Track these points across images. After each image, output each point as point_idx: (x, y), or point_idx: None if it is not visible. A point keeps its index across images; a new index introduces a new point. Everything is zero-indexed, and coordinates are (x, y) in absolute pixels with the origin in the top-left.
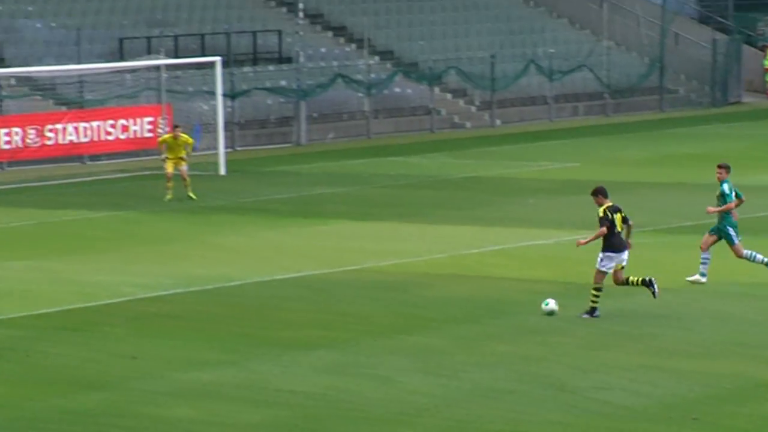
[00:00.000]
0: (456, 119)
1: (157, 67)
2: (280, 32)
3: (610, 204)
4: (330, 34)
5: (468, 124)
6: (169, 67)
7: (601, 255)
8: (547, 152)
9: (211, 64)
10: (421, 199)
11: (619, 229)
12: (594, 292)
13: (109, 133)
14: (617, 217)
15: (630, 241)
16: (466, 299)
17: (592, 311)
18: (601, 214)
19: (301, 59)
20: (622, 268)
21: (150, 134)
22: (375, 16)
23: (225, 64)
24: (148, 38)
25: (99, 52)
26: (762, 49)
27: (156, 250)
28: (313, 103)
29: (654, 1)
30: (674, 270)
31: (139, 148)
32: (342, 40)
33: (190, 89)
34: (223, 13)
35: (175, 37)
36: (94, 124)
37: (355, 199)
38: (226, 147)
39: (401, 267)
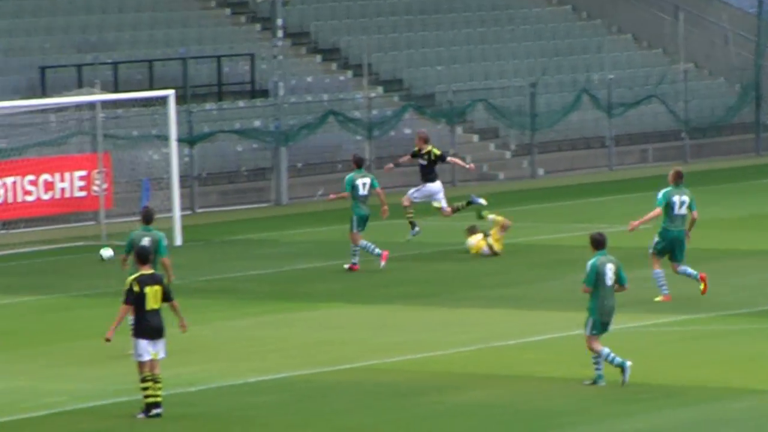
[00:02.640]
0: (485, 168)
1: (92, 105)
2: (252, 57)
3: None
4: (318, 58)
5: (501, 175)
6: (107, 105)
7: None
8: (606, 211)
9: (163, 100)
10: (440, 274)
11: None
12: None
13: (28, 193)
14: None
15: None
16: (501, 407)
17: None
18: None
19: (281, 92)
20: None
21: (82, 193)
22: (378, 35)
23: (180, 100)
24: (79, 66)
25: (14, 86)
26: None
27: (90, 346)
28: (296, 149)
29: (746, 9)
30: None
31: (67, 212)
32: (334, 66)
33: (135, 133)
34: (178, 32)
35: (115, 65)
36: (9, 180)
37: (353, 275)
38: (183, 209)
39: (414, 365)
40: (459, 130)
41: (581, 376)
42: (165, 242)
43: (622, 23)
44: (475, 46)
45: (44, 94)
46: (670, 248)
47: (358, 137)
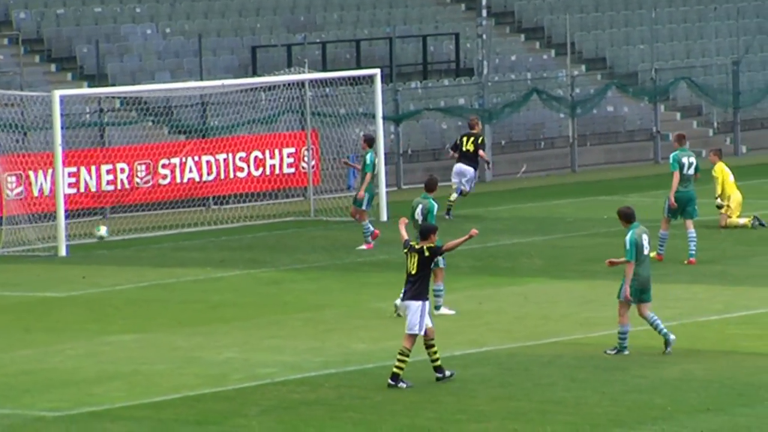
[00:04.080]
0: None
1: (301, 84)
2: (457, 36)
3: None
4: (522, 37)
5: (704, 152)
6: (316, 83)
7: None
8: None
9: (369, 79)
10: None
11: None
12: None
13: (239, 169)
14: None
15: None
16: (705, 381)
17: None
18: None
19: (485, 71)
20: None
21: (291, 169)
22: (580, 14)
23: (387, 79)
24: (288, 46)
25: (226, 66)
26: None
27: (301, 318)
28: (500, 126)
29: None
30: None
31: (277, 188)
32: (538, 45)
33: (342, 111)
34: (385, 13)
35: (323, 45)
36: (221, 157)
37: (556, 251)
38: (389, 185)
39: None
40: (662, 108)
41: None
42: (435, 211)
43: None
44: (678, 25)
45: (255, 73)
46: (682, 208)
47: (561, 115)
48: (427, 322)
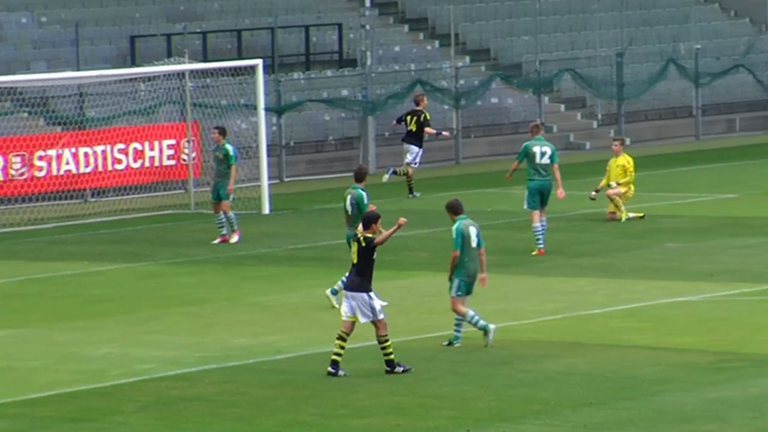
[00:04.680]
0: (572, 138)
1: (181, 74)
2: (340, 26)
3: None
4: (406, 28)
5: (588, 144)
6: (196, 74)
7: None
8: (694, 181)
9: (251, 69)
10: (528, 243)
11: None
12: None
13: (118, 161)
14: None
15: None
16: (588, 375)
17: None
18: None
19: (369, 62)
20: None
21: (172, 161)
22: (465, 4)
23: (269, 70)
24: (168, 36)
25: (104, 56)
26: None
27: (180, 313)
28: (384, 118)
29: None
30: None
31: (157, 180)
32: (422, 36)
33: (224, 102)
34: (267, 2)
35: (204, 35)
36: (99, 149)
37: (441, 244)
38: (271, 178)
39: (502, 333)
40: (546, 99)
41: (668, 344)
42: (366, 200)
43: None
44: (562, 16)
45: (134, 63)
46: (540, 197)
47: (446, 107)
48: (379, 314)
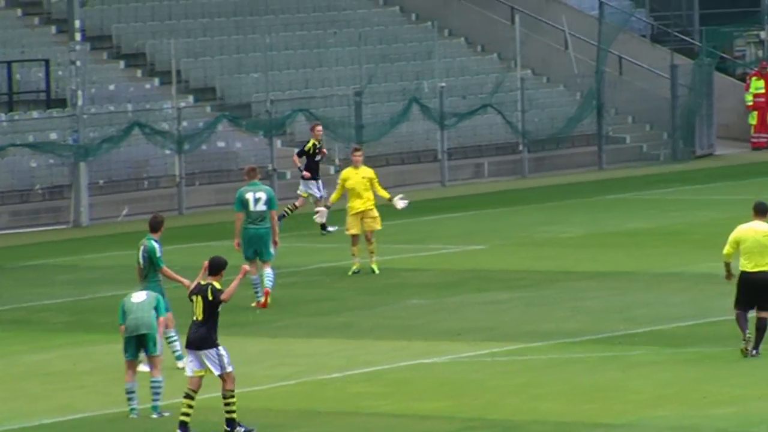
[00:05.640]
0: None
1: None
2: (47, 62)
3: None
4: (122, 64)
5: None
6: None
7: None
8: (439, 230)
9: None
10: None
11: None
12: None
13: None
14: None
15: None
16: None
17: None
18: None
19: (80, 102)
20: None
21: None
22: (187, 38)
23: None
24: None
25: None
26: (743, 78)
27: None
28: (98, 165)
29: (587, 11)
30: (627, 400)
31: None
32: (139, 73)
33: None
34: None
35: None
36: None
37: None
38: None
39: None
40: (278, 143)
41: (411, 411)
42: (158, 253)
43: (455, 26)
44: (295, 51)
45: None
46: (255, 248)
47: (167, 151)
48: (227, 367)
